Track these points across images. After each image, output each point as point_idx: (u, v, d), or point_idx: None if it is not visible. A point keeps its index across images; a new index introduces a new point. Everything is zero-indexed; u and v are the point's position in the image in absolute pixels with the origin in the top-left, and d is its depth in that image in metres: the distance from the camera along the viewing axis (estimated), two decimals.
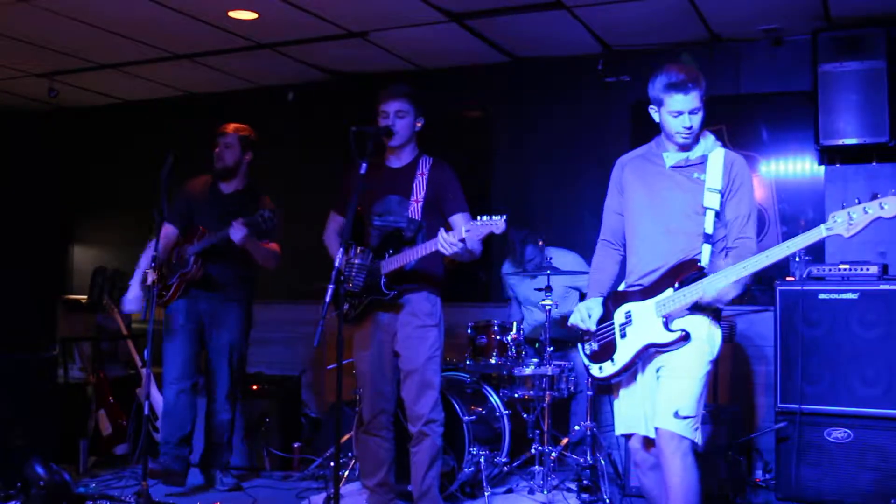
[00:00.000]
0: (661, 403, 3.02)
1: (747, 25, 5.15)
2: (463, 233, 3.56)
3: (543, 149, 5.99)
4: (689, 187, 3.11)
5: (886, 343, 4.24)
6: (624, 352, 3.14)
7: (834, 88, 4.85)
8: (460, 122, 6.17)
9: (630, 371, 3.16)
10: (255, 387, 5.48)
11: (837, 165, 5.19)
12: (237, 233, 4.44)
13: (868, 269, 4.40)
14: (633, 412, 3.19)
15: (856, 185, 5.15)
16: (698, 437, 3.02)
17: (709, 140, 3.18)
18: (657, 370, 3.09)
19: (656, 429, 3.04)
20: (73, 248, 7.70)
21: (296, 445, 5.34)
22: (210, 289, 4.71)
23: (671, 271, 3.06)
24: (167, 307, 4.75)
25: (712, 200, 3.06)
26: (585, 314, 3.24)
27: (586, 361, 3.31)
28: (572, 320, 3.30)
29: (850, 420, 4.27)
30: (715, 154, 3.12)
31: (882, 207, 2.63)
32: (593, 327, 3.24)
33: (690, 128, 3.06)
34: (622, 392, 3.24)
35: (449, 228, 3.84)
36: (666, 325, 3.02)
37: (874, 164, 5.09)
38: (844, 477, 4.25)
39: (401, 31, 5.39)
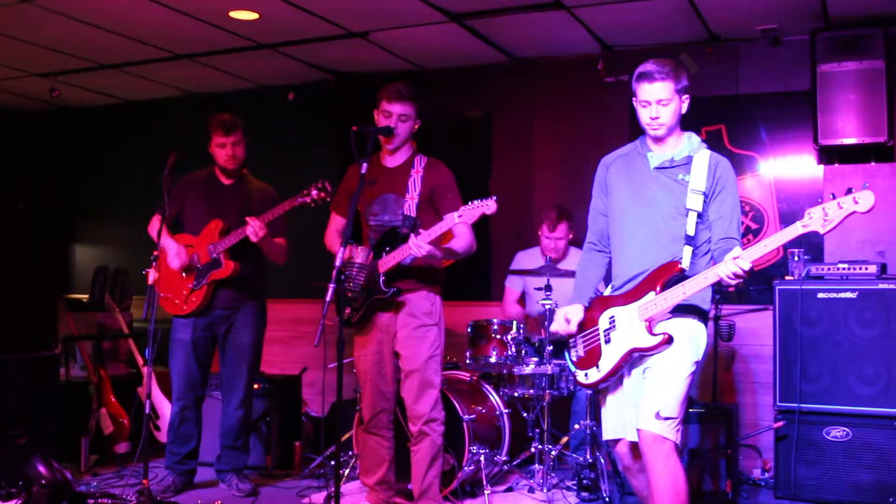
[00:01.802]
0: (643, 405, 3.02)
1: (746, 25, 5.16)
2: (456, 218, 3.64)
3: (543, 149, 6.01)
4: (673, 189, 3.11)
5: (885, 342, 4.26)
6: (609, 357, 3.13)
7: (832, 88, 4.87)
8: (460, 122, 6.18)
9: (616, 376, 3.15)
10: (255, 386, 5.47)
11: (836, 165, 5.20)
12: (255, 232, 4.34)
13: (867, 269, 4.42)
14: (619, 417, 3.18)
15: (854, 184, 5.12)
16: (679, 438, 3.01)
17: (694, 141, 3.19)
18: (643, 372, 3.09)
19: (638, 430, 3.04)
20: (74, 248, 7.71)
21: (296, 444, 5.35)
22: (237, 287, 4.62)
23: (653, 274, 3.06)
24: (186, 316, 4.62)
25: (695, 202, 3.06)
26: (563, 320, 3.26)
27: (573, 368, 3.31)
28: (553, 327, 3.33)
29: (848, 419, 4.28)
30: (700, 155, 3.12)
31: (856, 202, 2.64)
32: (574, 329, 3.25)
33: (657, 118, 3.08)
34: (609, 397, 3.23)
35: None
36: (649, 329, 3.02)
37: (872, 163, 5.10)
38: (843, 476, 4.27)
39: (401, 31, 5.40)
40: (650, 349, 3.02)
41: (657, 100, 3.07)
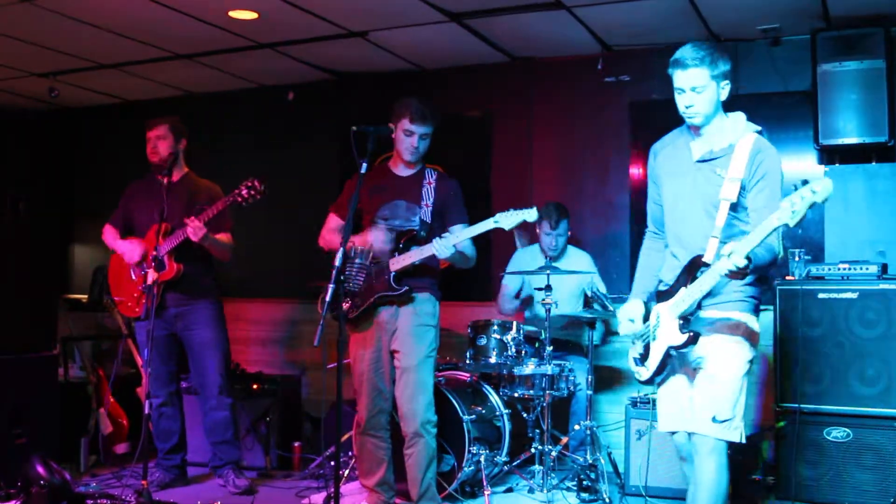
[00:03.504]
0: (699, 408, 3.02)
1: (746, 25, 5.15)
2: (493, 223, 3.75)
3: (543, 148, 6.00)
4: (712, 183, 3.04)
5: (886, 342, 4.24)
6: (654, 355, 3.13)
7: (833, 88, 4.85)
8: (460, 121, 6.17)
9: (666, 372, 3.14)
10: (255, 386, 5.48)
11: (837, 165, 5.19)
12: (195, 232, 4.40)
13: (867, 269, 4.41)
14: (674, 409, 3.17)
15: (855, 184, 5.16)
16: (737, 436, 3.02)
17: (739, 124, 3.09)
18: (696, 368, 3.08)
19: (694, 433, 3.05)
20: (73, 248, 7.70)
21: (296, 445, 5.34)
22: (184, 288, 4.68)
23: (684, 270, 3.05)
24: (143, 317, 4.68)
25: (729, 191, 2.98)
26: (626, 321, 3.24)
27: (633, 366, 3.28)
28: (621, 331, 3.29)
29: (849, 419, 4.27)
30: (743, 142, 3.02)
31: (813, 192, 2.60)
32: (640, 328, 3.22)
33: (691, 107, 3.02)
34: (663, 390, 3.23)
35: None
36: (681, 327, 3.00)
37: (873, 163, 5.09)
38: (843, 476, 4.26)
39: (401, 31, 5.39)
40: (679, 347, 3.01)
41: (691, 86, 3.00)
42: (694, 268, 3.00)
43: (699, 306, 2.99)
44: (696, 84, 2.99)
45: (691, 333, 2.98)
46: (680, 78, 3.01)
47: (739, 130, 3.08)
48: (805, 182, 2.64)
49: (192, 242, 4.49)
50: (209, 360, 4.74)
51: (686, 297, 2.98)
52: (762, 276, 3.12)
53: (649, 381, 3.20)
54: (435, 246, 3.80)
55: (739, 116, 3.13)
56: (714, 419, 2.97)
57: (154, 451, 4.85)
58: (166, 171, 4.49)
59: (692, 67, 2.98)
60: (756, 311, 3.10)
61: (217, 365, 4.76)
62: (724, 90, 3.05)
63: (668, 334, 3.06)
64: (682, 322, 3.00)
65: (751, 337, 3.07)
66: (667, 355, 3.07)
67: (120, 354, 5.49)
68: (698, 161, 3.10)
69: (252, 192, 4.31)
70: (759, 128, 3.12)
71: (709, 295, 2.97)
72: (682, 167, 3.14)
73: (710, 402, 2.99)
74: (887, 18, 4.79)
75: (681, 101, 3.05)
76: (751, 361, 3.07)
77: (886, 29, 4.78)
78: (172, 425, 4.79)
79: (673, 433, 3.23)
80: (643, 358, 3.20)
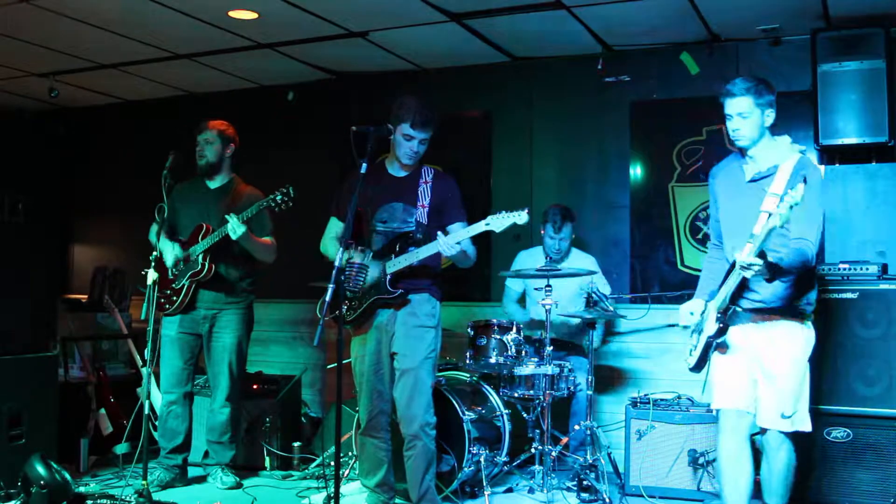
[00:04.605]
0: (767, 406, 3.44)
1: (747, 25, 5.15)
2: (484, 225, 3.74)
3: (543, 149, 6.00)
4: (761, 201, 3.32)
5: (886, 342, 4.24)
6: (699, 344, 3.52)
7: (833, 88, 4.85)
8: (460, 121, 6.17)
9: (707, 360, 3.52)
10: (255, 387, 5.48)
11: (837, 165, 5.19)
12: (235, 230, 4.44)
13: (867, 269, 4.40)
14: (731, 389, 3.51)
15: (855, 184, 5.15)
16: (805, 425, 3.46)
17: (783, 146, 3.44)
18: (754, 363, 3.45)
19: (766, 428, 3.46)
20: (73, 248, 7.70)
21: (296, 445, 5.34)
22: (217, 289, 4.72)
23: (727, 271, 3.40)
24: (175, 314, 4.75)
25: (769, 204, 3.27)
26: (686, 314, 3.59)
27: (688, 354, 3.61)
28: (681, 322, 3.64)
29: (849, 420, 4.27)
30: (787, 163, 3.35)
31: (793, 197, 2.94)
32: (699, 319, 3.56)
33: (738, 130, 3.42)
34: (718, 372, 3.55)
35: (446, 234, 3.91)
36: (717, 319, 3.41)
37: (873, 163, 5.09)
38: (844, 477, 4.25)
39: (401, 31, 5.39)
40: (713, 336, 3.42)
41: (737, 112, 3.39)
42: (732, 269, 3.35)
43: (734, 302, 3.40)
44: (742, 111, 3.39)
45: (721, 325, 3.39)
46: (729, 105, 3.42)
47: (784, 152, 3.42)
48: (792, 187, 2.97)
49: (230, 243, 4.54)
50: (224, 366, 4.77)
51: (721, 293, 3.40)
52: (804, 282, 3.44)
53: (696, 368, 3.57)
54: (440, 243, 3.77)
55: (785, 140, 3.48)
56: (783, 415, 3.41)
57: (155, 450, 4.84)
58: (168, 172, 4.47)
59: (739, 96, 3.39)
60: (809, 316, 3.49)
61: (232, 371, 4.78)
62: (769, 117, 3.43)
63: (708, 326, 3.47)
64: (719, 315, 3.41)
65: (807, 340, 3.47)
66: (707, 344, 3.46)
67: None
68: (749, 181, 3.47)
69: (286, 199, 4.38)
70: (804, 148, 3.47)
71: (772, 302, 3.42)
72: (736, 187, 3.53)
73: (777, 401, 3.42)
74: (887, 18, 4.79)
75: (730, 126, 3.45)
76: (808, 361, 3.48)
77: (886, 29, 4.78)
78: (179, 425, 4.79)
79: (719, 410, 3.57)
80: (695, 347, 3.57)
